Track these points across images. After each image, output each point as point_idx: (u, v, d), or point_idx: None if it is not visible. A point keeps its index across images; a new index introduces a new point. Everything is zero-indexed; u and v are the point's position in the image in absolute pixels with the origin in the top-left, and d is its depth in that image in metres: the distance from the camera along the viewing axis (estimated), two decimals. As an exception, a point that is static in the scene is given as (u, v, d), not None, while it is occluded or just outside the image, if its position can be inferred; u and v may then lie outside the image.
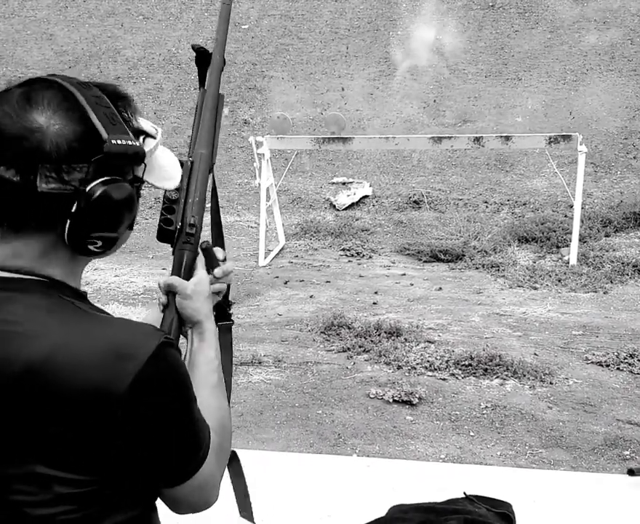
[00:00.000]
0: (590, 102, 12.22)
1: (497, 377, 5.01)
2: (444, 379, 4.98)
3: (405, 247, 9.16)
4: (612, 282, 7.63)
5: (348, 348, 5.53)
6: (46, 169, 1.04)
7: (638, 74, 12.71)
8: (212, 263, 1.32)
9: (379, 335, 5.71)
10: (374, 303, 6.95)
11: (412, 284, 7.72)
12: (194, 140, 1.35)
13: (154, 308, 1.34)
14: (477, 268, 8.32)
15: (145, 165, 1.16)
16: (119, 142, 1.07)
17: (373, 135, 10.35)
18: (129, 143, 1.09)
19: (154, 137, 1.19)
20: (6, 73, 14.35)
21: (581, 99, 12.34)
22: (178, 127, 12.65)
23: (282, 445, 4.15)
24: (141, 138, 1.17)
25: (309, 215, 10.44)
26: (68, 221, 1.07)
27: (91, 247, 1.11)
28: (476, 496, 2.26)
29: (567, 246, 8.49)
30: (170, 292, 1.27)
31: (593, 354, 5.42)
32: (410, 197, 10.58)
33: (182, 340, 1.29)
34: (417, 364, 5.17)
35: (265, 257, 8.68)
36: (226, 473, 1.29)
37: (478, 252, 8.71)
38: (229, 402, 1.31)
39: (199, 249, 1.30)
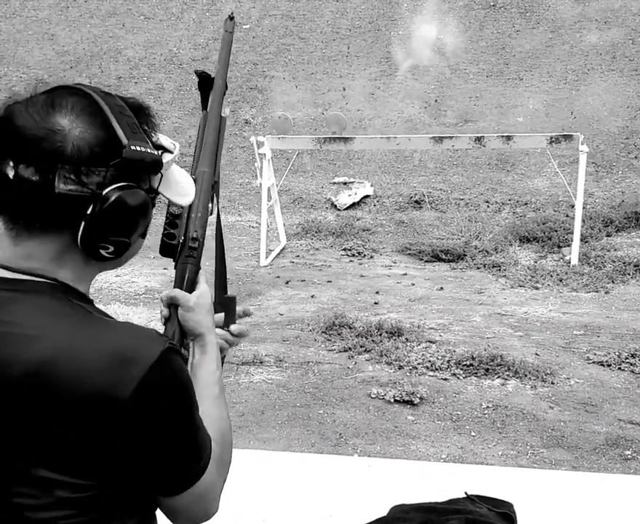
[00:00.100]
0: (592, 102, 12.21)
1: (499, 377, 5.01)
2: (445, 379, 4.98)
3: (406, 246, 9.16)
4: (613, 281, 7.62)
5: (349, 348, 5.53)
6: (66, 170, 1.05)
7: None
8: (231, 318, 1.36)
9: (380, 334, 5.71)
10: (376, 303, 6.95)
11: (414, 284, 7.72)
12: (197, 160, 1.38)
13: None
14: (478, 268, 8.31)
15: (162, 176, 1.17)
16: (138, 148, 1.09)
17: (374, 135, 10.35)
18: (148, 150, 1.11)
19: (172, 152, 1.21)
20: (7, 73, 14.36)
21: (582, 99, 12.34)
22: (179, 127, 12.65)
23: (283, 444, 4.16)
24: (159, 152, 1.18)
25: (310, 214, 10.44)
26: (83, 223, 1.08)
27: (103, 252, 1.11)
28: (477, 496, 2.26)
29: (569, 246, 8.48)
30: (172, 304, 1.27)
31: (595, 354, 5.41)
32: (411, 197, 10.58)
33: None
34: (419, 364, 5.17)
35: (267, 257, 8.68)
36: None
37: (480, 251, 8.71)
38: None
39: (227, 295, 1.34)
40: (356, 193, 10.75)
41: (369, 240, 9.51)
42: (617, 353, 5.37)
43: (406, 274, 8.16)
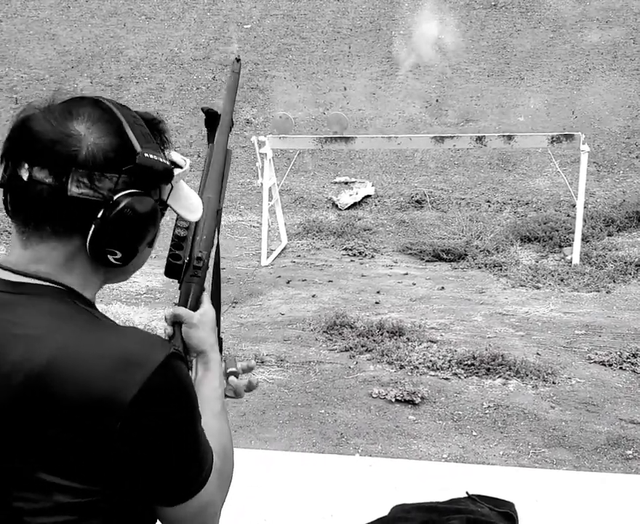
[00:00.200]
0: (593, 102, 12.21)
1: (500, 376, 5.01)
2: (446, 379, 4.98)
3: (407, 246, 9.16)
4: (614, 281, 7.62)
5: (351, 348, 5.53)
6: (79, 174, 1.07)
7: (641, 73, 12.70)
8: (233, 372, 1.40)
9: (381, 334, 5.71)
10: (377, 303, 6.95)
11: (415, 284, 7.71)
12: (202, 187, 1.41)
13: None
14: (479, 268, 8.31)
15: (172, 188, 1.19)
16: (151, 156, 1.12)
17: (375, 135, 10.35)
18: (160, 159, 1.14)
19: (182, 168, 1.23)
20: (8, 72, 14.37)
21: (583, 98, 12.33)
22: (180, 127, 12.66)
23: (285, 444, 4.16)
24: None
25: (311, 214, 10.44)
26: (92, 227, 1.09)
27: (110, 257, 1.13)
28: (479, 496, 2.26)
29: (570, 245, 8.48)
30: (176, 322, 1.29)
31: (596, 354, 5.41)
32: (412, 197, 10.58)
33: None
34: (420, 363, 5.17)
35: (268, 257, 8.69)
36: None
37: (481, 251, 8.71)
38: None
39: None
40: (357, 193, 10.75)
41: (370, 240, 9.51)
42: (618, 353, 5.37)
43: (407, 274, 8.16)
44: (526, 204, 10.20)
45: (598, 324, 6.19)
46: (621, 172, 10.72)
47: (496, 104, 12.57)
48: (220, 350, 1.36)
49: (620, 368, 5.18)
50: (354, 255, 9.03)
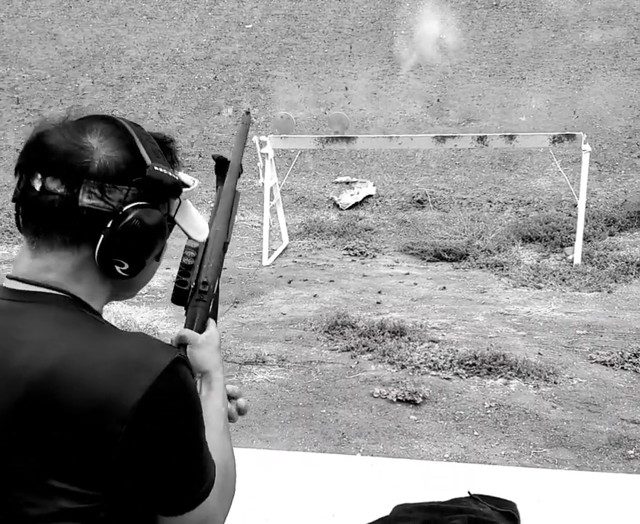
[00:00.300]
0: (594, 101, 12.20)
1: (501, 376, 5.01)
2: (447, 378, 4.98)
3: (409, 246, 9.15)
4: (616, 281, 7.62)
5: (352, 348, 5.53)
6: (91, 185, 1.10)
7: (643, 73, 12.69)
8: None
9: (383, 334, 5.71)
10: (378, 303, 6.95)
11: (416, 284, 7.71)
12: (211, 222, 1.43)
13: None
14: (481, 268, 8.31)
15: (180, 204, 1.22)
16: (160, 169, 1.15)
17: (376, 135, 10.35)
18: (169, 174, 1.17)
19: (189, 186, 1.26)
20: (10, 72, 14.38)
21: (585, 98, 12.33)
22: (182, 127, 12.67)
23: (286, 444, 4.16)
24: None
25: (312, 214, 10.44)
26: (101, 237, 1.11)
27: (117, 268, 1.14)
28: (480, 495, 2.26)
29: (571, 245, 8.48)
30: (182, 344, 1.31)
31: (598, 354, 5.41)
32: (414, 196, 10.58)
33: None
34: (421, 363, 5.17)
35: (269, 257, 8.69)
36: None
37: (482, 251, 8.70)
38: None
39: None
40: (358, 193, 10.75)
41: (372, 240, 9.51)
42: (619, 352, 5.36)
43: (408, 274, 8.16)
44: (528, 203, 10.20)
45: (599, 324, 6.18)
46: (622, 171, 10.72)
47: (497, 104, 12.57)
48: None
49: (622, 368, 5.18)
50: (355, 254, 9.03)
